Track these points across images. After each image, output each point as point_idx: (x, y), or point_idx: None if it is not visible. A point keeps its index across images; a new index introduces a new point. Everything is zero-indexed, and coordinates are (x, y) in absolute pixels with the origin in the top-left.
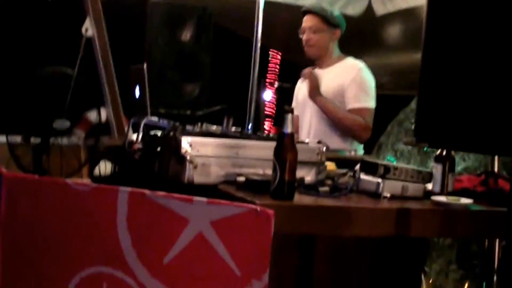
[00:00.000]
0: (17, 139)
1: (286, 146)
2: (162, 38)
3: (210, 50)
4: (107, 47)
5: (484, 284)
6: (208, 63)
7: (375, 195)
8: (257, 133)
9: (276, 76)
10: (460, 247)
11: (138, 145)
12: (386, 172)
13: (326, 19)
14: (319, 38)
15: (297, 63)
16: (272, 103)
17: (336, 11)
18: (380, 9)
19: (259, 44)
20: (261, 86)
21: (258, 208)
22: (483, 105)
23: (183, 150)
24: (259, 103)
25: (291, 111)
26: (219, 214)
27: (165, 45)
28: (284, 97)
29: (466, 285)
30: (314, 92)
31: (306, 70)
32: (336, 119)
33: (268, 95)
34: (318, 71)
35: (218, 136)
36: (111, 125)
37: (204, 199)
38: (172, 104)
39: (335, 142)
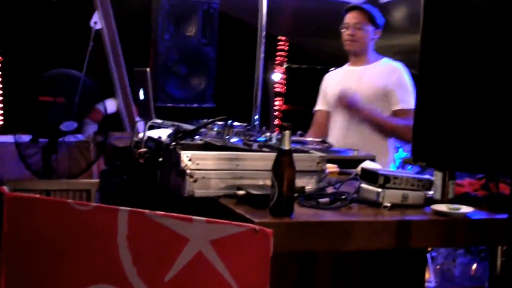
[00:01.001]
0: (26, 139)
1: (284, 163)
2: (168, 33)
3: (215, 44)
4: (116, 39)
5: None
6: (214, 57)
7: (376, 204)
8: (263, 128)
9: (285, 57)
10: None
11: (143, 149)
12: (386, 182)
13: (371, 17)
14: (363, 35)
15: (303, 47)
16: (282, 82)
17: (378, 13)
18: None
19: (264, 33)
20: (270, 68)
21: (257, 228)
22: (480, 124)
23: (182, 164)
24: (268, 85)
25: (289, 127)
26: (218, 233)
27: (171, 40)
28: (293, 77)
29: (473, 268)
30: (362, 110)
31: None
32: (389, 131)
33: (277, 76)
34: (349, 68)
35: (217, 149)
36: (122, 116)
37: (203, 218)
38: (179, 98)
39: (376, 141)
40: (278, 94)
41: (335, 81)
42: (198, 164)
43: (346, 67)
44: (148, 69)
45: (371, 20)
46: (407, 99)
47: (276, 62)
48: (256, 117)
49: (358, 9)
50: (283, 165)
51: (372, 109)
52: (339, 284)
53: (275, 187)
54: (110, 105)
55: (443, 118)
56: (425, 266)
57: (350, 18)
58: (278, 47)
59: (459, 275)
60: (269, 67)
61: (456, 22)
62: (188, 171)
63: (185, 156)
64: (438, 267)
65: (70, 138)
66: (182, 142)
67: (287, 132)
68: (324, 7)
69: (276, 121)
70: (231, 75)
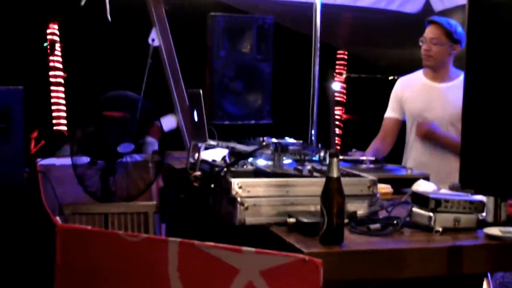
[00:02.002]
0: (84, 161)
1: (332, 191)
2: (223, 50)
3: (271, 59)
4: (174, 55)
5: None
6: (270, 73)
7: (428, 228)
8: (319, 146)
9: (344, 66)
10: None
11: (198, 173)
12: (437, 205)
13: (449, 33)
14: (438, 51)
15: (361, 56)
16: (343, 92)
17: (459, 27)
18: (438, 6)
19: (318, 44)
20: (330, 78)
21: (307, 258)
22: None
23: (233, 192)
24: (329, 95)
25: (337, 155)
26: (268, 264)
27: (226, 57)
28: (353, 86)
29: None
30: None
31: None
32: None
33: (337, 85)
34: (429, 83)
35: (268, 175)
36: (182, 133)
37: (252, 249)
38: (236, 115)
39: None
40: (338, 103)
41: (415, 94)
42: (249, 191)
43: (424, 80)
44: (200, 90)
45: (448, 35)
46: None
47: (336, 72)
48: (313, 132)
49: (435, 23)
50: (332, 193)
51: (452, 136)
52: None
53: (324, 216)
54: (170, 121)
55: (491, 143)
56: (482, 284)
57: (427, 32)
58: (338, 56)
59: None
60: (329, 77)
61: (503, 37)
62: (239, 199)
63: (236, 183)
64: (497, 281)
65: (127, 159)
66: (233, 168)
67: (335, 160)
68: (380, 17)
69: (338, 131)
70: (288, 89)
